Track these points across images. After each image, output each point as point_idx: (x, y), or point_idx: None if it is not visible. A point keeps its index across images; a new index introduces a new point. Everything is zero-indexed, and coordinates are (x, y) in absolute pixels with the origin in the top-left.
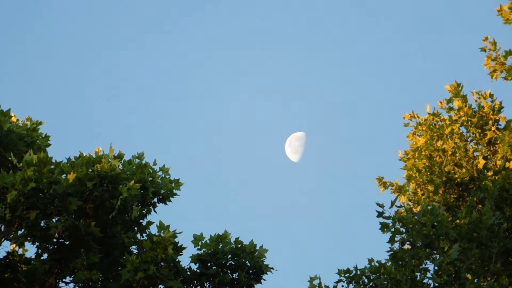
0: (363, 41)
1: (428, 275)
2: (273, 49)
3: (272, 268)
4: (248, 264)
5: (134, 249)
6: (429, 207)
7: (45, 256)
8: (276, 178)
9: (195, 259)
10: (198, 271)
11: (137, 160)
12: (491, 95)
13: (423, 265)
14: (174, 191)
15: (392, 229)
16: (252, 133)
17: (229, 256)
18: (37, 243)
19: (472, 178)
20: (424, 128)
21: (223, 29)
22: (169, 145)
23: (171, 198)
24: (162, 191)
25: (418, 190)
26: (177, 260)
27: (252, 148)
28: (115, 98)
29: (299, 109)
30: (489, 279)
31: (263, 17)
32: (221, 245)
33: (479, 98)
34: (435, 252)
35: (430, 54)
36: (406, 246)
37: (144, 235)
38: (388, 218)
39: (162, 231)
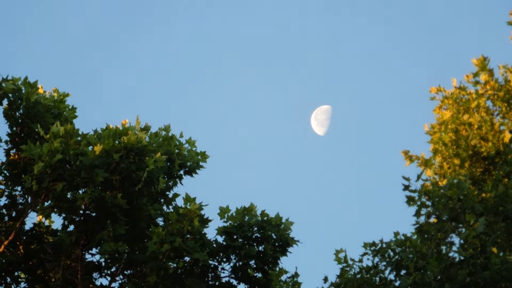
0: (390, 14)
1: (454, 248)
2: (300, 24)
3: (297, 241)
4: (274, 236)
5: (160, 221)
6: (455, 181)
7: (71, 227)
8: (302, 152)
9: (221, 231)
10: (224, 243)
11: (163, 132)
12: None
13: (449, 239)
14: (201, 163)
15: (418, 203)
16: (278, 107)
17: (255, 228)
18: (63, 215)
19: (498, 152)
20: (450, 102)
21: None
22: (196, 118)
23: (197, 171)
24: (188, 164)
25: (444, 163)
26: (203, 232)
27: (278, 122)
28: (144, 71)
29: (325, 82)
30: None
31: None
32: (247, 218)
33: (506, 72)
34: (461, 225)
35: (457, 28)
36: (432, 220)
37: (170, 207)
38: (414, 191)
39: (188, 203)
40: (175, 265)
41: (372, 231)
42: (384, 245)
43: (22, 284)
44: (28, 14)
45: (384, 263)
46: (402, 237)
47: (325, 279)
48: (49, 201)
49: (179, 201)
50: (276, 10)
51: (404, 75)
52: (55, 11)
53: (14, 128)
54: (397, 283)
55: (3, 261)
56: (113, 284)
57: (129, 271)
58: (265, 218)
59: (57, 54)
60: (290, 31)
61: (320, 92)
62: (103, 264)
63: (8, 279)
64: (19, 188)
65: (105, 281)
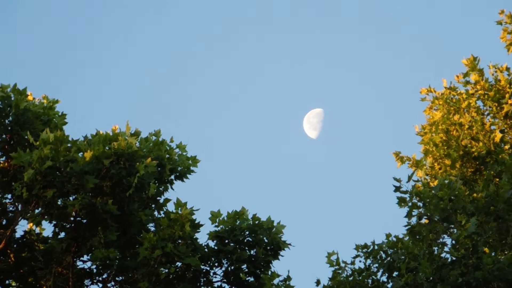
0: (380, 16)
1: (446, 249)
2: (290, 26)
3: (289, 244)
4: (266, 240)
5: (151, 226)
6: (446, 181)
7: (62, 234)
8: (295, 155)
9: (212, 236)
10: (216, 248)
11: (154, 138)
12: (507, 69)
13: (441, 239)
14: (191, 168)
15: (409, 204)
16: (270, 110)
17: (247, 232)
18: (54, 222)
19: (489, 151)
20: (440, 102)
21: (240, 4)
22: (187, 123)
23: (188, 175)
24: (179, 168)
25: (435, 164)
26: (194, 237)
27: (270, 125)
28: (132, 76)
29: (317, 86)
30: (506, 252)
31: None
32: (238, 222)
33: (496, 71)
34: (452, 226)
35: (447, 28)
36: (424, 221)
37: (162, 212)
38: (405, 192)
39: (179, 208)
40: (166, 270)
41: (363, 233)
42: (376, 247)
43: None
44: (16, 20)
45: (376, 265)
46: (394, 239)
47: (318, 282)
48: (40, 209)
49: (170, 206)
50: (268, 13)
51: (395, 76)
52: (44, 17)
53: (4, 136)
54: (389, 285)
55: None
56: None
57: (120, 278)
58: (257, 222)
59: (46, 60)
60: (282, 34)
61: (313, 95)
62: (95, 271)
63: None
64: (9, 196)
65: None
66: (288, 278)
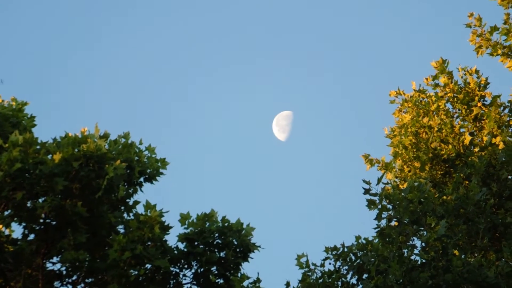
0: (348, 18)
1: (416, 251)
2: (259, 28)
3: (259, 247)
4: (235, 242)
5: (121, 228)
6: (415, 184)
7: (31, 236)
8: (264, 157)
9: (182, 238)
10: (185, 250)
11: (123, 140)
12: (476, 71)
13: (410, 242)
14: (161, 170)
15: (379, 206)
16: (239, 112)
17: (216, 234)
18: (23, 224)
19: (459, 154)
20: (410, 105)
21: (210, 11)
22: (155, 125)
23: (157, 177)
24: (148, 171)
25: (405, 166)
26: (164, 239)
27: (239, 127)
28: (101, 78)
29: (285, 88)
30: (476, 255)
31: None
32: (208, 224)
33: (465, 74)
34: (422, 228)
35: (416, 30)
36: (393, 223)
37: (131, 214)
38: (374, 195)
39: (148, 210)
40: (136, 272)
41: (333, 235)
42: (345, 249)
43: None
44: None
45: (346, 267)
46: (364, 241)
47: (287, 284)
48: (9, 210)
49: (140, 208)
50: (237, 14)
51: (364, 78)
52: (10, 18)
53: None
54: (359, 287)
55: None
56: None
57: (90, 279)
58: (226, 224)
59: (14, 62)
60: (252, 37)
61: (281, 97)
62: (64, 272)
63: None
64: None
65: None
66: (258, 280)
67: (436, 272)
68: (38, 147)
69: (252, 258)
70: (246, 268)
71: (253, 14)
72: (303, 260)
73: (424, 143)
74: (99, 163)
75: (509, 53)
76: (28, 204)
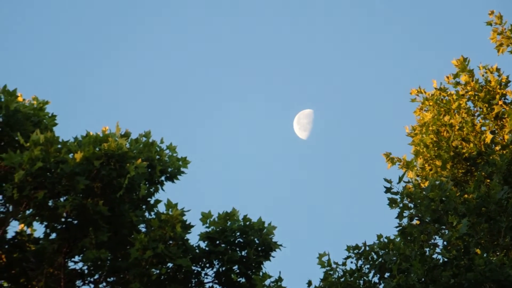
0: (370, 16)
1: (437, 250)
2: (281, 25)
3: (280, 245)
4: (257, 241)
5: (142, 227)
6: (437, 182)
7: (53, 235)
8: (285, 156)
9: (203, 237)
10: (207, 248)
11: (144, 139)
12: (497, 69)
13: (432, 240)
14: (182, 169)
15: (400, 205)
16: (260, 111)
17: (238, 233)
18: (45, 223)
19: (480, 152)
20: (431, 103)
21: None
22: (177, 124)
23: (178, 176)
24: (169, 169)
25: (426, 165)
26: (185, 238)
27: (260, 126)
28: (122, 77)
29: (307, 87)
30: (498, 253)
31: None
32: (229, 223)
33: (486, 72)
34: (443, 227)
35: (437, 28)
36: (415, 222)
37: (152, 213)
38: (396, 193)
39: (170, 209)
40: (158, 271)
41: (355, 234)
42: (367, 248)
43: None
44: (4, 20)
45: (368, 266)
46: (385, 240)
47: (309, 283)
48: (31, 209)
49: (161, 207)
50: (257, 15)
51: (385, 77)
52: (33, 18)
53: None
54: (381, 286)
55: None
56: None
57: (112, 278)
58: (248, 223)
59: (36, 61)
60: (271, 35)
61: (303, 96)
62: (86, 271)
63: None
64: (0, 197)
65: None
66: (280, 279)
67: (458, 271)
68: (59, 146)
69: (273, 257)
70: (268, 267)
71: (273, 14)
72: (324, 259)
73: (445, 142)
74: (120, 162)
75: None
76: (50, 203)
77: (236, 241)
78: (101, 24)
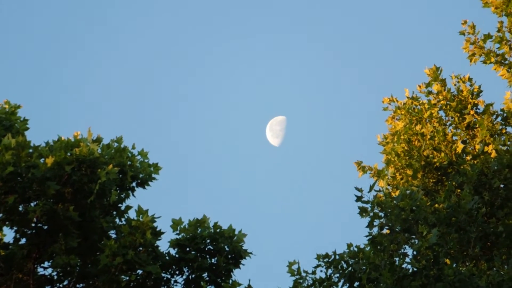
0: (342, 23)
1: (407, 259)
2: (255, 32)
3: (250, 253)
4: (227, 248)
5: (112, 233)
6: (407, 192)
7: (23, 240)
8: (257, 163)
9: (173, 243)
10: (177, 256)
11: (115, 144)
12: (470, 79)
13: (402, 250)
14: (153, 175)
15: (371, 214)
16: (232, 117)
17: (208, 240)
18: (15, 228)
19: (451, 162)
20: (403, 112)
21: (201, 12)
22: (148, 130)
23: (149, 182)
24: (140, 175)
25: (397, 174)
26: (155, 245)
27: (232, 132)
28: (94, 82)
29: (279, 93)
30: (467, 263)
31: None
32: (199, 230)
33: (458, 82)
34: (413, 236)
35: (410, 37)
36: (385, 231)
37: (123, 219)
38: (366, 202)
39: (140, 215)
40: (127, 278)
41: (325, 243)
42: (337, 257)
43: None
44: None
45: (337, 275)
46: (355, 249)
47: None
48: (1, 214)
49: (132, 214)
50: (232, 19)
51: (357, 85)
52: (2, 18)
53: None
54: None
55: None
56: None
57: (81, 285)
58: (218, 230)
59: (7, 64)
60: (244, 41)
61: (275, 103)
62: (55, 277)
63: None
64: None
65: None
66: (249, 287)
67: (427, 281)
68: (30, 150)
69: (243, 264)
70: (238, 274)
71: (249, 17)
72: (294, 267)
73: (417, 151)
74: (91, 167)
75: (502, 61)
76: (20, 208)
77: (206, 248)
78: (69, 26)
